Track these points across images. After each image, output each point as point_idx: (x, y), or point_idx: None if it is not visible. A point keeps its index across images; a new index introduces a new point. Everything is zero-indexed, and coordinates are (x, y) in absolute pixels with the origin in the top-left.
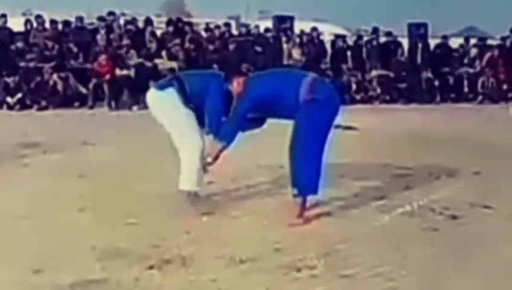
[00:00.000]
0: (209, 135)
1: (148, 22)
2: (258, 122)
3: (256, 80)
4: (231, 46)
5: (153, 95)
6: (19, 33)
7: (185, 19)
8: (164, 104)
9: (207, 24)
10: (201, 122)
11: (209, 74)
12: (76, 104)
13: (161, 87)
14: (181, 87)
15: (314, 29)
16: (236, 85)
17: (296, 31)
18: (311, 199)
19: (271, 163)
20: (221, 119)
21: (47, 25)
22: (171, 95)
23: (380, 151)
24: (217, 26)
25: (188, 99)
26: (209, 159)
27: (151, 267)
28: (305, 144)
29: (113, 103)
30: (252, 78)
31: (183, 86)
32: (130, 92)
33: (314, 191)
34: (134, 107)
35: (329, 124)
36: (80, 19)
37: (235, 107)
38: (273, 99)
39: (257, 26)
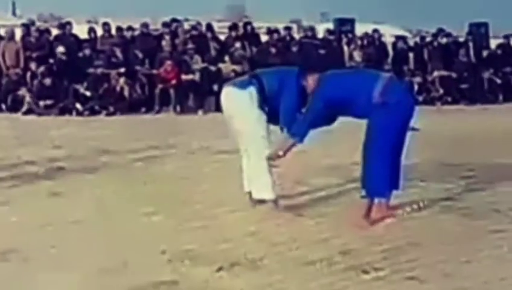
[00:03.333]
0: (283, 131)
1: (209, 27)
2: (329, 119)
3: (331, 78)
4: (293, 49)
5: (230, 93)
6: (86, 40)
7: (246, 23)
8: (240, 104)
9: (268, 28)
10: (274, 120)
11: (285, 71)
12: (143, 109)
13: (241, 86)
14: (261, 87)
15: (375, 31)
16: (311, 82)
17: (357, 33)
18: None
19: (338, 163)
20: (295, 115)
21: (113, 32)
22: (250, 94)
23: (443, 152)
24: (278, 30)
25: (265, 100)
26: (280, 153)
27: (219, 269)
28: (376, 147)
29: (178, 107)
30: (327, 76)
31: (263, 86)
32: (195, 96)
33: (383, 194)
34: (199, 111)
35: (402, 127)
36: (145, 25)
37: (309, 104)
38: (346, 99)
39: (316, 29)
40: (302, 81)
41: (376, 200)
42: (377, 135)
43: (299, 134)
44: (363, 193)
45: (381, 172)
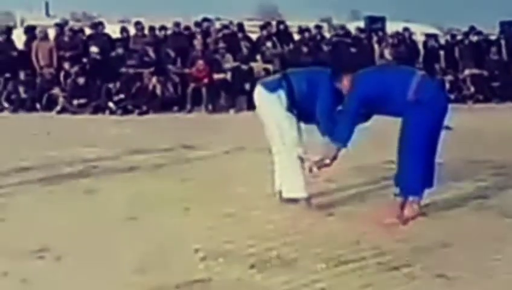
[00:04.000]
0: (324, 137)
1: (240, 26)
2: (365, 117)
3: (365, 77)
4: (324, 48)
5: (260, 94)
6: (118, 40)
7: (279, 22)
8: (270, 106)
9: (299, 26)
10: (305, 119)
11: (316, 72)
12: (176, 108)
13: (270, 89)
14: (290, 89)
15: (406, 29)
16: (346, 83)
17: (388, 31)
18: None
19: (368, 162)
20: (334, 119)
21: (145, 31)
22: (279, 97)
23: (475, 150)
24: (309, 29)
25: (294, 103)
26: (327, 161)
27: (252, 267)
28: (410, 145)
29: (210, 106)
30: (360, 74)
31: (292, 88)
32: (227, 95)
33: (416, 192)
34: (231, 110)
35: (436, 125)
36: (177, 24)
37: (347, 106)
38: (382, 96)
39: (347, 28)
40: (336, 83)
41: (410, 199)
42: (411, 133)
43: (342, 139)
44: (397, 191)
45: (415, 170)
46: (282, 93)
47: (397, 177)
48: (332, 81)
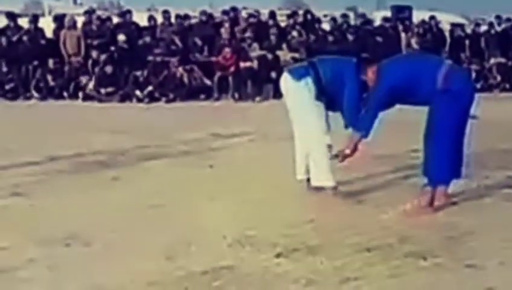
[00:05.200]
0: (347, 128)
1: (272, 15)
2: (388, 106)
3: (390, 67)
4: (350, 37)
5: (286, 81)
6: (145, 28)
7: (306, 11)
8: (297, 93)
9: (325, 15)
10: (331, 107)
11: (343, 62)
12: (202, 96)
13: (297, 76)
14: (317, 77)
15: (432, 18)
16: (371, 74)
17: (414, 20)
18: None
19: (395, 151)
20: (359, 110)
21: (172, 19)
22: (306, 85)
23: (503, 140)
24: (335, 18)
25: (322, 90)
26: (347, 151)
27: (278, 255)
28: (438, 134)
29: (236, 94)
30: (385, 65)
31: (319, 75)
32: (253, 84)
33: (445, 181)
34: (257, 98)
35: (464, 114)
36: (204, 13)
37: (372, 97)
38: (409, 86)
39: (373, 16)
40: (361, 75)
41: (438, 188)
42: (439, 121)
43: (364, 129)
44: (425, 181)
45: (443, 160)
46: (309, 81)
47: (425, 167)
48: (357, 73)
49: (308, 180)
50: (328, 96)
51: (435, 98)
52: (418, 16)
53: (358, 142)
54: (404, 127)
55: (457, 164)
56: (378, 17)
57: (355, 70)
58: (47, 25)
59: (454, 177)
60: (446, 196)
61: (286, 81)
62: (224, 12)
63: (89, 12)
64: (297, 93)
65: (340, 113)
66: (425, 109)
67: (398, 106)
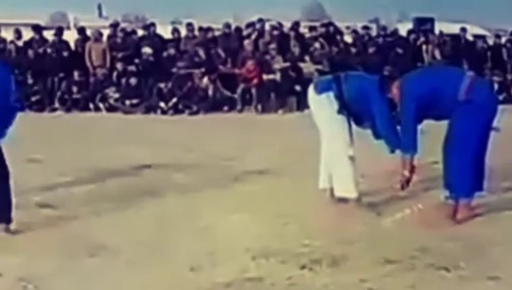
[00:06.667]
0: (393, 152)
1: (295, 26)
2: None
3: (413, 80)
4: (372, 49)
5: (311, 95)
6: (169, 40)
7: (329, 23)
8: (319, 106)
9: (347, 27)
10: (355, 121)
11: (368, 81)
12: (226, 108)
13: (319, 90)
14: (339, 93)
15: (463, 29)
16: (395, 91)
17: (436, 32)
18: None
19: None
20: (396, 131)
21: (196, 32)
22: (327, 99)
23: None
24: (356, 30)
25: (344, 106)
26: (407, 173)
27: (303, 267)
28: (460, 146)
29: (259, 107)
30: (407, 79)
31: (341, 91)
32: (277, 96)
33: (467, 194)
34: (280, 111)
35: (487, 126)
36: (227, 25)
37: (403, 114)
38: (432, 98)
39: (395, 28)
40: (387, 93)
41: (461, 201)
42: (461, 133)
43: (411, 146)
44: (447, 193)
45: (466, 172)
46: (331, 95)
47: (447, 180)
48: (383, 92)
49: (332, 190)
50: (352, 112)
51: (457, 109)
52: (440, 28)
53: (412, 161)
54: (424, 138)
55: (479, 177)
56: (400, 29)
57: (380, 89)
58: (72, 37)
59: (476, 190)
60: (469, 209)
61: (310, 94)
62: (250, 25)
63: (114, 25)
64: (319, 106)
65: (367, 128)
66: (445, 121)
67: None
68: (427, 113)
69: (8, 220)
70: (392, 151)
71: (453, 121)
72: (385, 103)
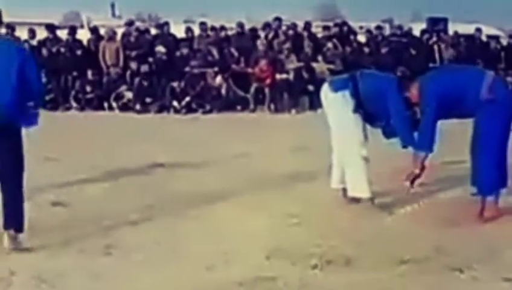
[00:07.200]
0: (406, 148)
1: (306, 26)
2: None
3: (434, 80)
4: (385, 49)
5: (325, 92)
6: (183, 40)
7: (343, 22)
8: (334, 106)
9: (361, 27)
10: (370, 121)
11: (385, 79)
12: (239, 107)
13: (335, 88)
14: (355, 91)
15: (478, 30)
16: (414, 91)
17: (450, 32)
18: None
19: (430, 162)
20: (411, 129)
21: (209, 31)
22: (343, 97)
23: None
24: (370, 30)
25: (360, 104)
26: (417, 171)
27: (315, 267)
28: (485, 144)
29: (272, 106)
30: (426, 79)
31: (357, 89)
32: (289, 96)
33: (494, 191)
34: (293, 110)
35: (508, 124)
36: (240, 25)
37: (423, 113)
38: (454, 96)
39: (409, 28)
40: (405, 93)
41: (488, 199)
42: (485, 132)
43: (427, 146)
44: (474, 190)
45: (491, 170)
46: (347, 93)
47: (473, 177)
48: (400, 91)
49: (345, 190)
50: (367, 111)
51: (479, 108)
52: (453, 28)
53: (425, 160)
54: (438, 138)
55: (504, 174)
56: (416, 30)
57: (397, 88)
58: (85, 36)
59: (501, 187)
60: (496, 208)
61: (325, 92)
62: (267, 25)
63: (129, 24)
64: (334, 104)
65: (381, 128)
66: (462, 120)
67: None
68: (449, 113)
69: (20, 228)
70: (405, 147)
71: (478, 120)
72: (401, 101)
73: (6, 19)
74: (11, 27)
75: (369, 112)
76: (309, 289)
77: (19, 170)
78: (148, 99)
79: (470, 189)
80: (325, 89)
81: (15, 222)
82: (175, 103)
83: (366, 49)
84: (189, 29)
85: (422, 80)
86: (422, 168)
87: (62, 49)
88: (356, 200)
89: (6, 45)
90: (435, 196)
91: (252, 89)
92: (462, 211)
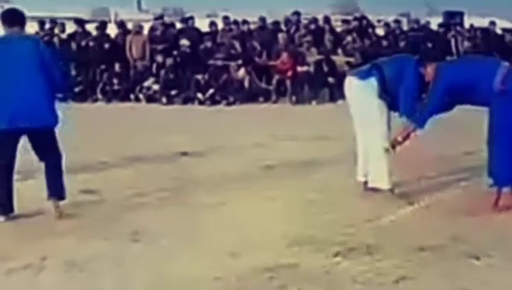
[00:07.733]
0: (402, 117)
1: (326, 20)
2: (448, 106)
3: (449, 67)
4: (403, 42)
5: (351, 83)
6: (206, 33)
7: (362, 16)
8: (362, 94)
9: (379, 21)
10: (395, 107)
11: (404, 59)
12: (261, 99)
13: (361, 77)
14: (381, 76)
15: (492, 23)
16: (430, 70)
17: (466, 25)
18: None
19: (449, 152)
20: (415, 102)
21: (232, 25)
22: (371, 85)
23: None
24: (388, 23)
25: (385, 90)
26: (399, 138)
27: (337, 254)
28: (500, 135)
29: (293, 98)
30: (443, 65)
31: (383, 75)
32: (310, 88)
33: (508, 182)
34: (313, 102)
35: None
36: (262, 19)
37: (430, 92)
38: (467, 86)
39: (426, 22)
40: (421, 69)
41: (504, 190)
42: (499, 123)
43: (419, 121)
44: (490, 181)
45: (507, 160)
46: (373, 80)
47: (489, 168)
48: (417, 66)
49: (365, 182)
50: (391, 95)
51: (493, 99)
52: (469, 22)
53: (412, 132)
54: (456, 128)
55: None
56: (433, 24)
57: (414, 65)
58: (113, 30)
59: None
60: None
61: (350, 83)
62: (287, 20)
63: (158, 18)
64: (360, 93)
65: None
66: (478, 110)
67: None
68: (461, 100)
69: (61, 196)
70: (401, 116)
71: (492, 111)
72: (416, 75)
73: (37, 14)
74: (42, 22)
75: (393, 95)
76: (332, 276)
77: (58, 154)
78: (173, 92)
79: (486, 180)
80: (350, 79)
81: (58, 191)
82: (199, 95)
83: (385, 43)
84: (213, 23)
85: (440, 64)
86: (406, 137)
87: (91, 43)
88: (376, 190)
89: (26, 44)
90: (451, 186)
91: (274, 81)
92: (477, 201)
